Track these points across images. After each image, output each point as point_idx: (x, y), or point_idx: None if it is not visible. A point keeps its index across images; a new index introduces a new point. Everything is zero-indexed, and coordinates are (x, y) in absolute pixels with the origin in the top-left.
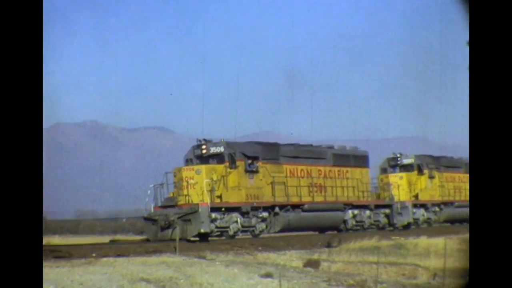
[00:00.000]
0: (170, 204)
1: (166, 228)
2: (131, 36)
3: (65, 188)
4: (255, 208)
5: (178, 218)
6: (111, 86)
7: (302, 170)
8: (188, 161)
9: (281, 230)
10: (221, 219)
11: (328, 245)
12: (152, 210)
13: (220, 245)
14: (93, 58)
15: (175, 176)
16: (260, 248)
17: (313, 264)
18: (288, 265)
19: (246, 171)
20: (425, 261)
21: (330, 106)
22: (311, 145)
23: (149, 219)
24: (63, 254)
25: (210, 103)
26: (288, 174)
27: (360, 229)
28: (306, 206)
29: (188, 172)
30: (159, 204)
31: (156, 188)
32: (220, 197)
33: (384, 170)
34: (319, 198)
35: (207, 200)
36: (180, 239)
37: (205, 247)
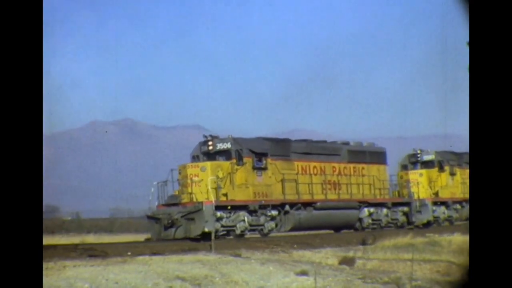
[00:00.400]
0: (173, 202)
1: (169, 227)
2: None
3: (100, 186)
4: (264, 207)
5: (182, 216)
6: (148, 84)
7: (315, 167)
8: (195, 158)
9: (292, 229)
10: (227, 217)
11: (363, 243)
12: (156, 208)
13: (256, 243)
14: (118, 56)
15: (180, 173)
16: (295, 246)
17: (348, 261)
18: (323, 263)
19: (254, 168)
20: (459, 258)
21: (364, 104)
22: (325, 141)
23: (152, 217)
24: (98, 253)
25: (245, 101)
26: (300, 171)
27: (377, 227)
28: (318, 204)
29: (192, 169)
30: (163, 202)
31: (160, 186)
32: (226, 195)
33: (404, 167)
34: (332, 196)
35: (212, 198)
36: (182, 238)
37: (241, 245)
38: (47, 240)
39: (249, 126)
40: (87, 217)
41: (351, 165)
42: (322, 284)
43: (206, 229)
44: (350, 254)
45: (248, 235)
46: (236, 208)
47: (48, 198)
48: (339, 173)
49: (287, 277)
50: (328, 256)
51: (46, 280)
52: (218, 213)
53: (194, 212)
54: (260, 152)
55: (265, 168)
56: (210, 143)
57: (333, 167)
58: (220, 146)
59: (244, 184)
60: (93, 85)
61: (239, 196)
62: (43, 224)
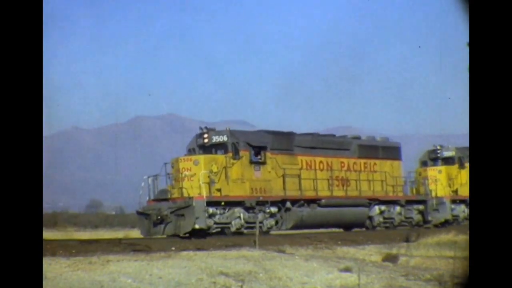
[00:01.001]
0: (163, 197)
1: (158, 223)
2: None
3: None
4: (262, 203)
5: (171, 212)
6: (190, 80)
7: (321, 162)
8: (191, 151)
9: (294, 227)
10: (221, 214)
11: (407, 240)
12: (146, 203)
13: (300, 239)
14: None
15: (172, 167)
16: (339, 242)
17: (391, 258)
18: (367, 260)
19: (251, 162)
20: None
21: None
22: (333, 135)
23: (142, 213)
24: (142, 247)
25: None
26: (304, 166)
27: (390, 226)
28: (323, 201)
29: (185, 163)
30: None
31: (152, 180)
32: (220, 190)
33: (424, 163)
34: (339, 193)
35: (204, 193)
36: (172, 235)
37: (285, 241)
38: (91, 234)
39: (294, 123)
40: (131, 211)
41: (362, 161)
42: (366, 281)
43: (197, 226)
44: (394, 251)
45: (245, 232)
46: (231, 204)
47: (92, 192)
48: (348, 169)
49: (331, 274)
50: (371, 253)
51: (89, 275)
52: (211, 209)
53: (184, 207)
54: (258, 145)
55: (263, 163)
56: (205, 135)
57: (341, 162)
58: (216, 139)
59: (240, 179)
60: (106, 83)
61: (234, 191)
62: (86, 218)
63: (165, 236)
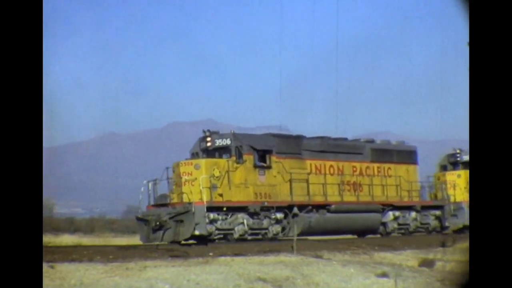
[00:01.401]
0: (163, 202)
1: (157, 230)
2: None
3: None
4: (267, 209)
5: (170, 218)
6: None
7: (331, 166)
8: (194, 155)
9: (302, 234)
10: (223, 220)
11: (443, 245)
12: (145, 209)
13: (337, 245)
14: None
15: (173, 171)
16: (376, 247)
17: (428, 263)
18: (403, 265)
19: (255, 166)
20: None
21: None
22: (345, 139)
23: (141, 219)
24: (180, 253)
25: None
26: (313, 171)
27: (406, 232)
28: (333, 206)
29: (185, 167)
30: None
31: (153, 185)
32: (222, 195)
33: (443, 168)
34: (350, 198)
35: (205, 198)
36: (172, 242)
37: (322, 246)
38: (128, 240)
39: (335, 128)
40: None
41: (375, 165)
42: (402, 286)
43: (197, 232)
44: (430, 256)
45: (249, 239)
46: (234, 209)
47: (129, 198)
48: (360, 173)
49: (368, 279)
50: (408, 258)
51: (126, 281)
52: (212, 215)
53: (183, 213)
54: (263, 149)
55: (269, 167)
56: (208, 139)
57: (353, 166)
58: (219, 142)
59: (244, 183)
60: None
61: (237, 196)
62: (124, 224)
63: (166, 242)
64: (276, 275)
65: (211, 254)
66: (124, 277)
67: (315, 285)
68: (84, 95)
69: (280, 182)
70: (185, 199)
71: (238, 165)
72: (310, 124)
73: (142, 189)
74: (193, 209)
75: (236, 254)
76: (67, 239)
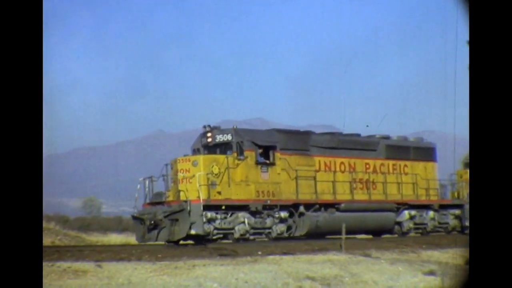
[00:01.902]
0: (158, 200)
1: (152, 229)
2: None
3: None
4: (270, 207)
5: (165, 217)
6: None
7: (342, 163)
8: (195, 151)
9: (308, 234)
10: (222, 219)
11: None
12: (142, 207)
13: (386, 243)
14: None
15: (172, 168)
16: (424, 246)
17: None
18: (450, 263)
19: (257, 163)
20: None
21: None
22: (358, 135)
23: (137, 218)
24: (229, 252)
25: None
26: (322, 168)
27: (423, 232)
28: (343, 205)
29: (183, 164)
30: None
31: (150, 182)
32: (220, 193)
33: (466, 165)
34: (362, 196)
35: (202, 196)
36: (167, 241)
37: (371, 245)
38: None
39: (382, 127)
40: None
41: (390, 162)
42: (449, 284)
43: (193, 232)
44: None
45: (252, 239)
46: (234, 208)
47: None
48: (374, 171)
49: (415, 277)
50: (455, 256)
51: (175, 279)
52: (209, 214)
53: (178, 212)
54: (266, 145)
55: (272, 164)
56: (209, 134)
57: (366, 163)
58: (220, 138)
59: (245, 181)
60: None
61: (237, 194)
62: None
63: (163, 242)
64: (325, 273)
65: (259, 253)
66: (173, 276)
67: (363, 284)
68: (125, 94)
69: (285, 179)
70: (182, 197)
71: (239, 162)
72: (363, 123)
73: (138, 186)
74: (188, 208)
75: (285, 253)
76: (115, 239)
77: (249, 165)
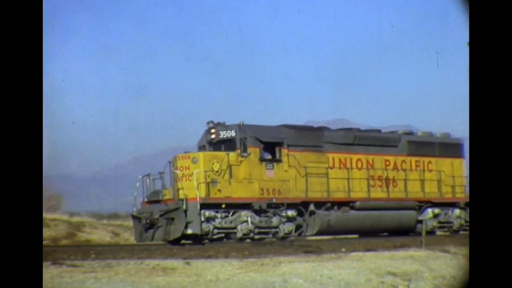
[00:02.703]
0: (156, 199)
1: (149, 228)
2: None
3: None
4: (276, 206)
5: (161, 216)
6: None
7: (358, 160)
8: (201, 148)
9: (320, 233)
10: (223, 218)
11: None
12: (140, 206)
13: (464, 239)
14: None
15: (172, 166)
16: None
17: None
18: None
19: (262, 159)
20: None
21: None
22: (377, 131)
23: (135, 217)
24: (313, 249)
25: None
26: (335, 165)
27: (449, 231)
28: (358, 203)
29: (183, 161)
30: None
31: (151, 180)
32: (221, 191)
33: None
34: (380, 194)
35: (199, 194)
36: (163, 241)
37: (450, 241)
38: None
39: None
40: None
41: (412, 159)
42: None
43: (190, 231)
44: None
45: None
46: (237, 207)
47: None
48: (394, 167)
49: None
50: None
51: (261, 276)
52: (207, 212)
53: (173, 210)
54: (271, 141)
55: (278, 160)
56: (213, 131)
57: (386, 160)
58: (224, 134)
59: (248, 178)
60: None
61: (238, 192)
62: None
63: (164, 242)
64: (406, 269)
65: (343, 249)
66: (259, 272)
67: (442, 278)
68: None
69: (293, 177)
70: (182, 195)
71: (242, 159)
72: (433, 121)
73: (138, 184)
74: (184, 206)
75: (368, 250)
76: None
77: (252, 162)
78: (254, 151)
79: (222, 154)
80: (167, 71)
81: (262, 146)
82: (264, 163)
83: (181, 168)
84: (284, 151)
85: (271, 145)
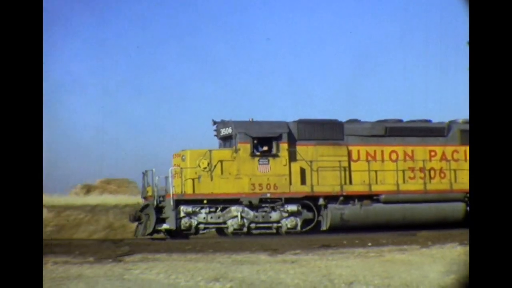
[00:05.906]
0: (144, 195)
1: (139, 224)
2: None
3: None
4: (273, 201)
5: (141, 211)
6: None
7: (393, 151)
8: (220, 144)
9: (332, 228)
10: (207, 213)
11: None
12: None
13: None
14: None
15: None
16: None
17: None
18: None
19: (253, 155)
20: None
21: None
22: (426, 121)
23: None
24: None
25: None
26: (362, 157)
27: None
28: (383, 196)
29: (176, 159)
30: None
31: (151, 175)
32: (205, 187)
33: None
34: (414, 186)
35: (186, 190)
36: (142, 235)
37: None
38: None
39: None
40: None
41: (466, 148)
42: None
43: (166, 226)
44: None
45: (256, 233)
46: (225, 202)
47: None
48: (443, 158)
49: None
50: None
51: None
52: (185, 208)
53: (146, 207)
54: (263, 136)
55: (275, 155)
56: (217, 128)
57: (431, 151)
58: (224, 131)
59: (236, 174)
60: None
61: (223, 188)
62: None
63: (151, 237)
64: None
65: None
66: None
67: None
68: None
69: (295, 171)
70: (174, 192)
71: (235, 155)
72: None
73: (143, 180)
74: (155, 203)
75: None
76: None
77: (242, 158)
78: (244, 147)
79: (208, 151)
80: (167, 71)
81: (254, 141)
82: (256, 158)
83: (175, 165)
84: (283, 145)
85: (266, 140)
